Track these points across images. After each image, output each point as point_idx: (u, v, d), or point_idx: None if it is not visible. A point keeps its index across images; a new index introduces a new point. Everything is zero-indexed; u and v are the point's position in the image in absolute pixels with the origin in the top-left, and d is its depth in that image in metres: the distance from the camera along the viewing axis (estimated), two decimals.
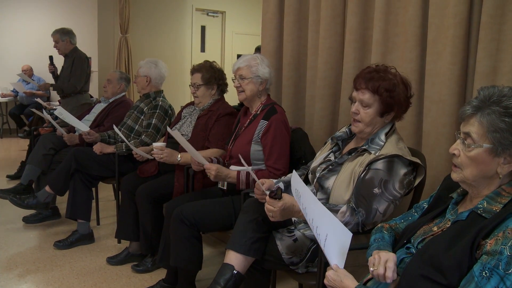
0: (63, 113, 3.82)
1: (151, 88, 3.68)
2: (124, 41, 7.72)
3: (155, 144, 2.88)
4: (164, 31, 8.30)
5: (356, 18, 2.92)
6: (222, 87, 3.19)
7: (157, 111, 3.53)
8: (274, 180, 2.20)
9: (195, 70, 3.17)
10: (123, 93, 4.27)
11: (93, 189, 3.73)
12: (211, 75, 3.11)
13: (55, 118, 4.94)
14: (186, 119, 3.18)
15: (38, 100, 7.83)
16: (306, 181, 2.22)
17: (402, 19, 2.69)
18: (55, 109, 7.37)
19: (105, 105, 4.19)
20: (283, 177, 2.33)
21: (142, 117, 3.59)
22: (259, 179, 2.12)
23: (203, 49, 9.14)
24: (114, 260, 3.19)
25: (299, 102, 3.38)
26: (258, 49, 6.75)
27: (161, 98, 3.65)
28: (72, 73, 4.89)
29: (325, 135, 3.13)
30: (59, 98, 7.95)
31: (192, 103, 3.30)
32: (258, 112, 2.69)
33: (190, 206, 2.48)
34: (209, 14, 9.15)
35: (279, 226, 2.09)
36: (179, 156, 2.90)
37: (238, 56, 9.65)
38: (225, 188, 2.69)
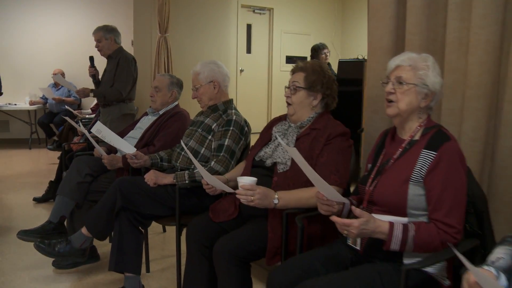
0: (102, 131, 2.97)
1: (221, 96, 2.80)
2: (163, 41, 6.90)
3: (242, 181, 2.00)
4: (206, 30, 7.45)
5: None
6: (328, 99, 2.30)
7: (231, 128, 2.64)
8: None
9: (298, 68, 2.31)
10: (176, 102, 3.41)
11: None
12: (317, 79, 2.24)
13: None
14: (277, 140, 2.29)
15: (68, 108, 7.16)
16: None
17: None
18: (86, 118, 6.63)
19: (154, 119, 3.32)
20: None
21: (209, 137, 2.71)
22: (421, 236, 1.26)
23: (249, 50, 8.30)
24: None
25: (433, 117, 2.44)
26: (314, 50, 5.85)
27: (233, 111, 2.76)
28: (117, 76, 4.08)
29: (478, 164, 2.19)
30: (92, 106, 7.26)
31: (283, 118, 2.41)
32: (417, 138, 1.79)
33: (316, 286, 1.58)
34: (256, 11, 8.29)
35: None
36: (276, 196, 2.02)
37: (288, 58, 8.92)
38: (358, 248, 1.79)
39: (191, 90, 2.86)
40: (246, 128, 2.72)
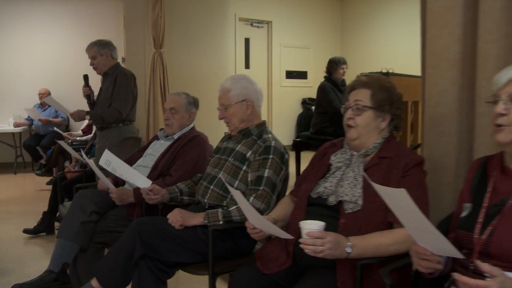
0: (112, 162, 2.51)
1: (254, 118, 2.39)
2: (158, 57, 6.47)
3: (308, 226, 1.59)
4: (203, 45, 7.04)
5: None
6: (396, 121, 1.92)
7: (270, 156, 2.22)
8: None
9: (361, 83, 1.93)
10: (192, 125, 2.99)
11: None
12: (386, 97, 1.87)
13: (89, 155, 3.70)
14: (341, 172, 1.88)
15: (57, 130, 6.66)
16: None
17: None
18: (77, 141, 6.13)
19: (168, 144, 2.89)
20: None
21: (244, 167, 2.27)
22: None
23: (247, 65, 7.91)
24: None
25: None
26: (333, 62, 5.43)
27: (270, 135, 2.35)
28: (115, 94, 3.67)
29: None
30: (83, 127, 6.75)
31: (338, 144, 2.01)
32: None
33: None
34: (254, 24, 7.94)
35: None
36: (349, 244, 1.61)
37: (288, 73, 8.55)
38: None
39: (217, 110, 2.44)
40: (286, 156, 2.30)
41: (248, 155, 2.29)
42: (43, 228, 4.18)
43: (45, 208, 4.25)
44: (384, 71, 4.28)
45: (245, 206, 1.78)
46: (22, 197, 5.92)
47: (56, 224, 4.29)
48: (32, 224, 4.23)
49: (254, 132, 2.37)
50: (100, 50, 3.74)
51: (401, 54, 7.91)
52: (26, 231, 4.17)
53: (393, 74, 4.17)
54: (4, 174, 7.39)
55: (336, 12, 9.14)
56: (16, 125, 7.43)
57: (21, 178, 7.24)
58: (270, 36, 8.15)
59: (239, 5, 7.54)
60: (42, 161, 7.09)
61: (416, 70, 4.17)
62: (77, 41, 7.58)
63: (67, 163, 5.70)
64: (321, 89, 5.16)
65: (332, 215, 1.80)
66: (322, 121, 5.08)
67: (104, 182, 2.72)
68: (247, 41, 7.94)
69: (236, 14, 7.54)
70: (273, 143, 2.27)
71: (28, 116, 7.45)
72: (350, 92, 1.98)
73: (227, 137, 2.53)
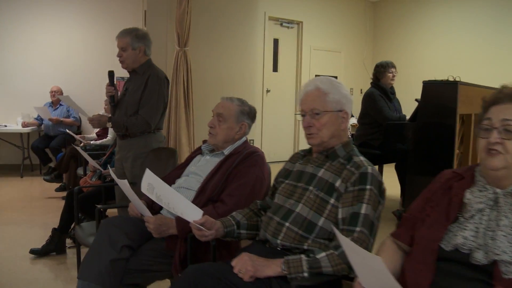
0: (155, 187, 1.93)
1: (343, 136, 1.87)
2: (182, 56, 5.95)
3: None
4: (230, 44, 6.53)
5: None
6: None
7: (367, 187, 1.68)
8: None
9: (510, 97, 1.40)
10: (244, 138, 2.44)
11: None
12: None
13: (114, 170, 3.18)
14: (486, 217, 1.34)
15: (69, 131, 6.11)
16: None
17: None
18: (90, 145, 5.57)
19: (216, 161, 2.34)
20: None
21: (332, 200, 1.73)
22: None
23: (275, 68, 7.37)
24: None
25: None
26: (381, 66, 4.85)
27: (362, 158, 1.81)
28: (144, 100, 3.12)
29: None
30: (97, 130, 6.18)
31: (468, 175, 1.47)
32: None
33: None
34: (284, 24, 7.40)
35: None
36: None
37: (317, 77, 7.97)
38: None
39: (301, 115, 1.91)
40: (383, 185, 1.76)
41: (337, 184, 1.74)
42: (52, 247, 3.63)
43: (54, 219, 3.75)
44: (451, 79, 3.72)
45: (364, 265, 1.24)
46: (29, 205, 5.38)
47: (68, 241, 3.77)
48: (40, 238, 3.74)
49: (341, 154, 1.83)
50: (134, 42, 3.18)
51: (441, 61, 7.37)
52: (32, 251, 3.61)
53: (462, 83, 3.62)
54: (10, 177, 6.89)
55: (368, 15, 8.61)
56: (25, 125, 6.91)
57: (28, 182, 6.73)
58: (300, 37, 7.62)
59: (269, 3, 7.04)
60: (51, 165, 6.58)
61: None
62: (90, 39, 7.10)
63: (79, 170, 5.16)
64: (368, 96, 4.60)
65: (480, 279, 1.27)
66: (367, 132, 4.54)
67: (138, 208, 2.18)
68: (276, 42, 7.40)
69: (266, 12, 7.03)
70: (369, 169, 1.73)
71: (38, 116, 6.94)
72: (490, 107, 1.44)
73: (299, 157, 2.00)
